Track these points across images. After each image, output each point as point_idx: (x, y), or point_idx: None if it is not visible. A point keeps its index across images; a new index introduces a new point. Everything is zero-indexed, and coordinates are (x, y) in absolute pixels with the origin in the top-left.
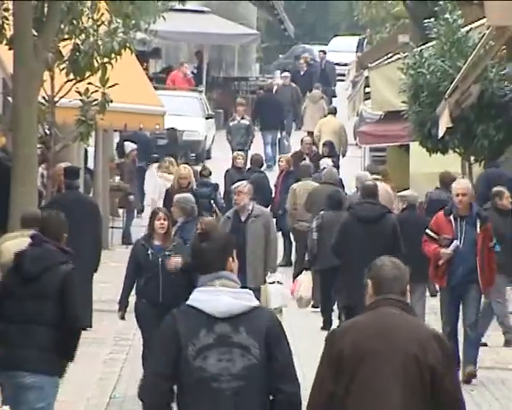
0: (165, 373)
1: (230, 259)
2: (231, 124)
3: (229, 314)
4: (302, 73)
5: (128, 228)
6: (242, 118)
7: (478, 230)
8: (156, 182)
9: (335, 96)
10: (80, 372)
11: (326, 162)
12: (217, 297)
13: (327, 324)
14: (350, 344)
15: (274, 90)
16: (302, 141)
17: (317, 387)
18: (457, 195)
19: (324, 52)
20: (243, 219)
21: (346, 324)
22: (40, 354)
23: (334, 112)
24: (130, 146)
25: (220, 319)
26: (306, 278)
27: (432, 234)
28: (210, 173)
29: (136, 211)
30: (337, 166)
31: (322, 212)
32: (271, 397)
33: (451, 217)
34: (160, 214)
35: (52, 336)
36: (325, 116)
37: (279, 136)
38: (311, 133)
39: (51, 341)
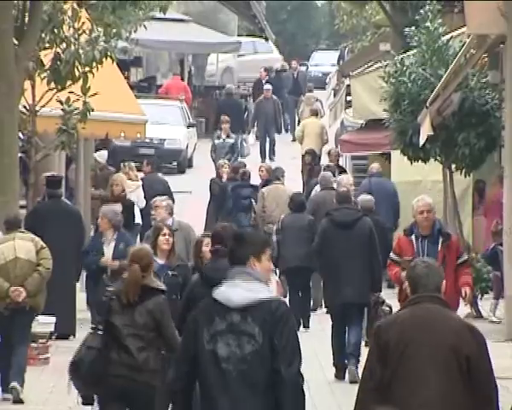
0: (186, 357)
1: (263, 257)
2: (216, 142)
3: (240, 305)
4: (264, 82)
5: None
6: (228, 136)
7: (439, 247)
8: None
9: None
10: (63, 381)
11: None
12: (232, 289)
13: (304, 319)
14: (394, 336)
15: (255, 103)
16: (330, 153)
17: (368, 374)
18: (422, 212)
19: (298, 62)
20: None
21: (389, 318)
22: None
23: (316, 113)
24: (101, 155)
25: (232, 309)
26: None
27: (395, 257)
28: (249, 176)
29: None
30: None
31: (282, 216)
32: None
33: (413, 237)
34: (165, 230)
35: None
36: (307, 117)
37: (240, 138)
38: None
39: None
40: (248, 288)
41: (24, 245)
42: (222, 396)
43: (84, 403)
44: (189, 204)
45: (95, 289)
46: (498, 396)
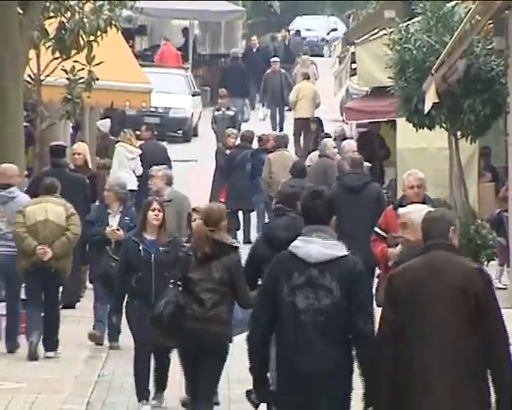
0: (265, 309)
1: (332, 216)
2: (216, 114)
3: (318, 261)
4: (255, 49)
5: None
6: (228, 108)
7: None
8: (117, 151)
9: None
10: (68, 350)
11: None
12: (310, 245)
13: None
14: (406, 282)
15: (264, 76)
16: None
17: (381, 317)
18: (412, 187)
19: (288, 30)
20: None
21: (401, 267)
22: None
23: (308, 77)
24: (103, 124)
25: (310, 264)
26: None
27: (380, 232)
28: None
29: None
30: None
31: (283, 180)
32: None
33: None
34: (155, 204)
35: None
36: (299, 82)
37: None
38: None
39: None
40: (326, 245)
41: (55, 209)
42: (299, 346)
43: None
44: (195, 173)
45: (98, 260)
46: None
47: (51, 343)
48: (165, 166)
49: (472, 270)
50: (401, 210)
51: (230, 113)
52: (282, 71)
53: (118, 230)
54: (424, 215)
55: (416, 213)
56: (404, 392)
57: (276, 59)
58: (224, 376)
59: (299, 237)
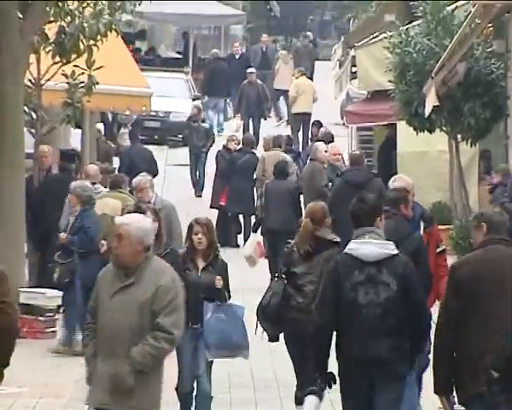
0: (328, 303)
1: (379, 218)
2: (192, 125)
3: (375, 259)
4: (238, 56)
5: None
6: (203, 121)
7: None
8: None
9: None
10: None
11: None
12: (366, 246)
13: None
14: (466, 274)
15: (241, 86)
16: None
17: (443, 306)
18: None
19: (268, 35)
20: None
21: (462, 258)
22: None
23: (305, 73)
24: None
25: (368, 262)
26: (251, 239)
27: None
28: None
29: None
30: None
31: (267, 181)
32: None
33: None
34: (148, 213)
35: None
36: (297, 78)
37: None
38: (283, 91)
39: None
40: (379, 244)
41: (111, 202)
42: (361, 336)
43: (270, 341)
44: None
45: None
46: None
47: None
48: (144, 173)
49: None
50: (117, 219)
51: (206, 125)
52: (259, 82)
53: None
54: (486, 211)
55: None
56: (462, 379)
57: (252, 70)
58: (225, 380)
59: (353, 240)
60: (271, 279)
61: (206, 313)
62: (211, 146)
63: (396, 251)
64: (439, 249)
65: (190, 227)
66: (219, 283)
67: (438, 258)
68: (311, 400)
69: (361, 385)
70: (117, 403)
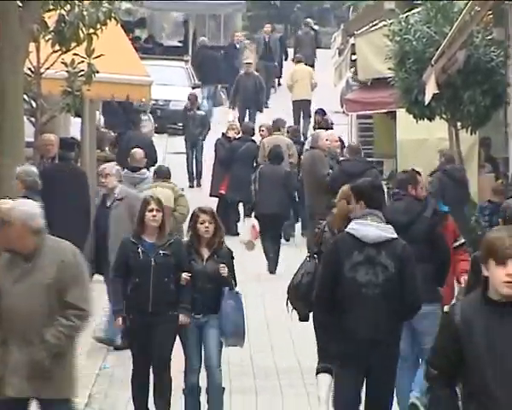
0: (328, 283)
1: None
2: (188, 113)
3: (375, 241)
4: (238, 46)
5: None
6: (198, 108)
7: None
8: None
9: (280, 77)
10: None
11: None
12: (367, 228)
13: (271, 263)
14: None
15: (238, 78)
16: None
17: (465, 290)
18: None
19: (270, 25)
20: (108, 203)
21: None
22: None
23: (302, 60)
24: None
25: (368, 244)
26: (247, 224)
27: None
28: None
29: None
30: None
31: (261, 165)
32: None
33: None
34: (152, 204)
35: None
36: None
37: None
38: None
39: None
40: (380, 227)
41: (162, 192)
42: (360, 315)
43: (301, 320)
44: None
45: None
46: None
47: None
48: (114, 162)
49: None
50: (1, 206)
51: (201, 113)
52: (256, 74)
53: None
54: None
55: (15, 208)
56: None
57: (249, 60)
58: (225, 368)
59: (355, 220)
60: (269, 265)
61: (225, 300)
62: (207, 134)
63: (395, 235)
64: (457, 243)
65: (194, 216)
66: (224, 270)
67: (456, 252)
68: (323, 379)
69: (358, 365)
70: (36, 390)
